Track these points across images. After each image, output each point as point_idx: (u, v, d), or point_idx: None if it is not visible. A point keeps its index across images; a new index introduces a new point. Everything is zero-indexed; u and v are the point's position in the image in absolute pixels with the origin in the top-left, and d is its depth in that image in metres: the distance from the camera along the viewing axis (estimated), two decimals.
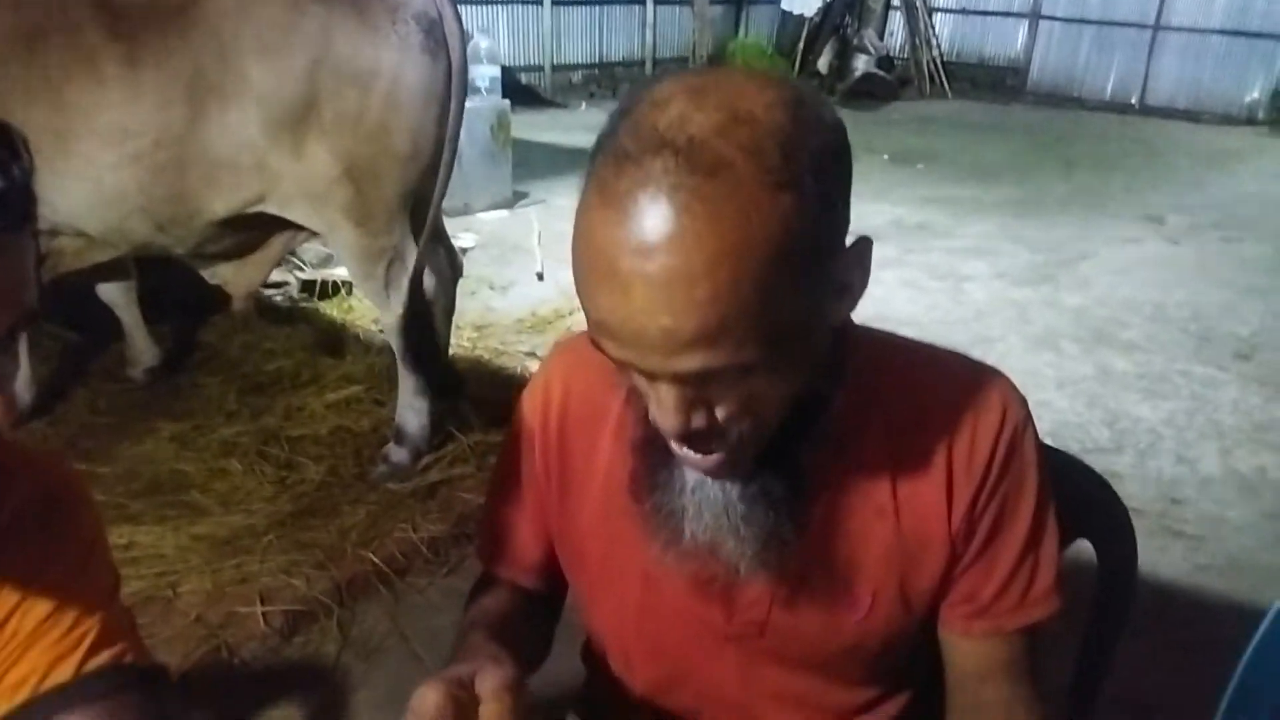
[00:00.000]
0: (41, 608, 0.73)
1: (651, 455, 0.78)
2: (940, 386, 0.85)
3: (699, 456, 0.72)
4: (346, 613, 2.26)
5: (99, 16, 2.30)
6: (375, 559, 2.37)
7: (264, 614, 2.16)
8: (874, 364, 0.84)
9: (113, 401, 3.12)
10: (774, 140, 0.62)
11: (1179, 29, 11.08)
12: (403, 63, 2.40)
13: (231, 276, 2.81)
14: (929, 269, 5.13)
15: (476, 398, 3.10)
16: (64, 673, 0.72)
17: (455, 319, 3.18)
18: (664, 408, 0.68)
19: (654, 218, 0.61)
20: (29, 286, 0.64)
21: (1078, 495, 1.04)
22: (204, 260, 2.76)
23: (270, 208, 2.49)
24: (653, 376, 0.67)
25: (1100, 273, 5.19)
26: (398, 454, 2.73)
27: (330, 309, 3.98)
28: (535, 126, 8.29)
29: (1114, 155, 8.69)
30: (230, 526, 2.45)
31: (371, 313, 3.81)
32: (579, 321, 0.90)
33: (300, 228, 2.61)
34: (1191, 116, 10.91)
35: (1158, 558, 2.66)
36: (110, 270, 2.88)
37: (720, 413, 0.69)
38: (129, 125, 2.32)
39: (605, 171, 0.64)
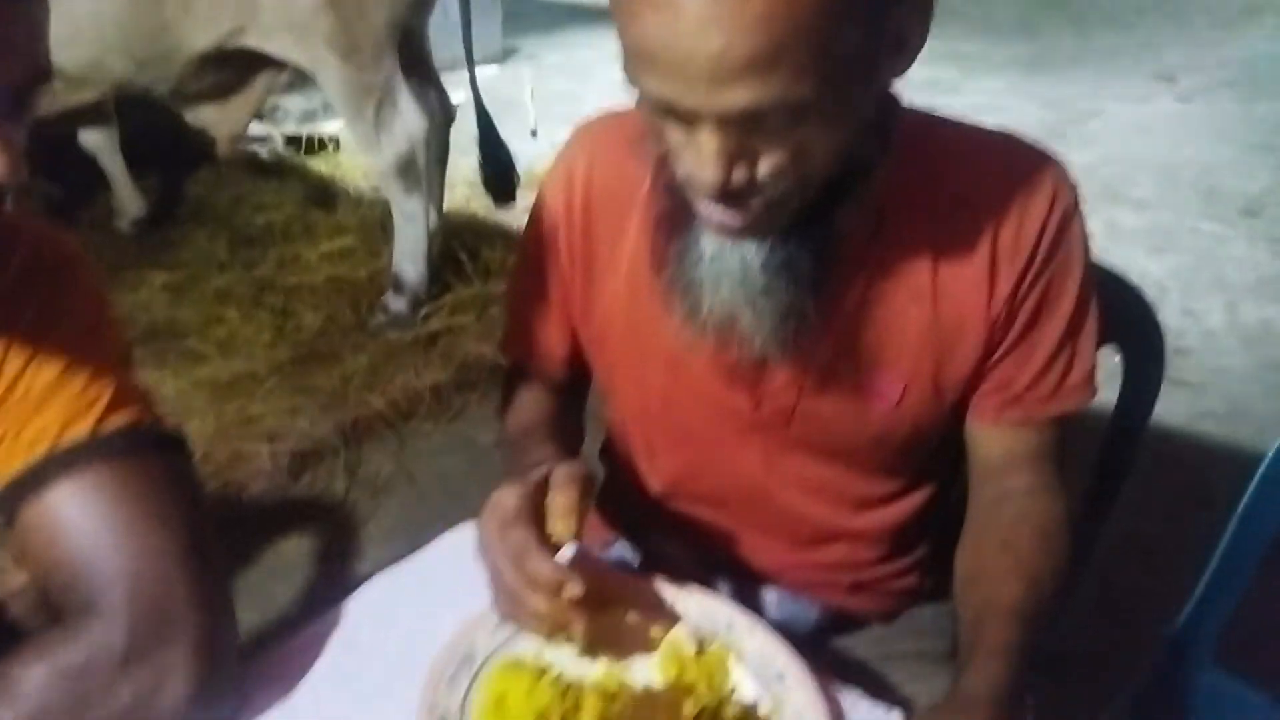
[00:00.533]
0: (52, 367, 0.71)
1: (673, 226, 0.75)
2: (989, 165, 0.80)
3: (727, 213, 0.68)
4: (353, 454, 2.28)
5: None
6: (379, 403, 2.38)
7: (271, 453, 2.17)
8: (920, 139, 0.79)
9: (101, 252, 3.06)
10: None
11: None
12: None
13: (215, 119, 2.70)
14: None
15: (474, 253, 3.04)
16: (80, 431, 0.70)
17: (447, 176, 3.09)
18: (703, 156, 0.63)
19: None
20: (41, 41, 0.62)
21: (1110, 301, 1.01)
22: (186, 101, 2.64)
23: (251, 41, 2.37)
24: (695, 119, 0.62)
25: (1110, 130, 5.07)
26: (396, 303, 2.70)
27: (318, 164, 3.87)
28: None
29: (1127, 11, 8.36)
30: (230, 371, 2.45)
31: (362, 167, 3.72)
32: None
33: (284, 66, 2.49)
34: None
35: (1160, 406, 2.66)
36: (91, 115, 2.77)
37: (764, 167, 0.64)
38: None
39: None
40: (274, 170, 3.74)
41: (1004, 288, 0.80)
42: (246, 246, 3.10)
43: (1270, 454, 1.04)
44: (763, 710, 0.73)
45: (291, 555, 1.99)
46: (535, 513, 0.72)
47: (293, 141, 3.95)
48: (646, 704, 0.68)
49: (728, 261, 0.71)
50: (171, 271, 2.95)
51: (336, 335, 2.65)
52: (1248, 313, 3.26)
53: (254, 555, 1.97)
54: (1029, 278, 0.80)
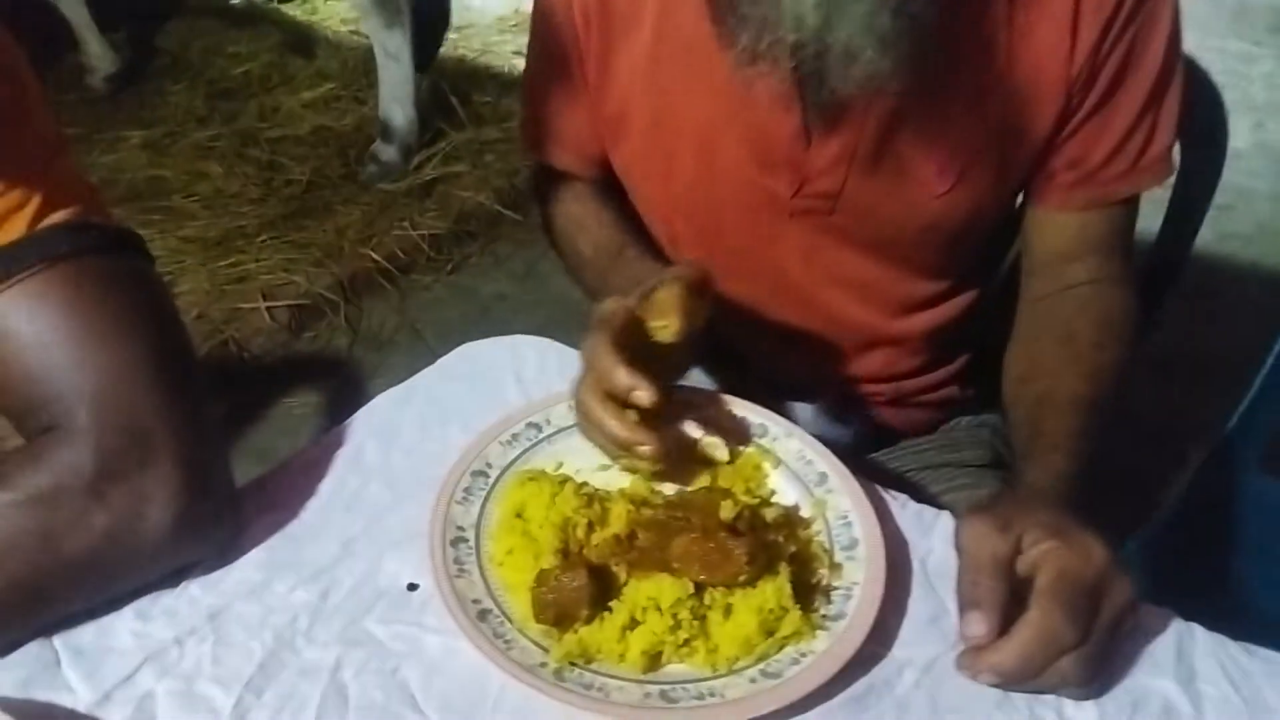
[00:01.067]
0: None
1: None
2: None
3: None
4: (354, 308, 2.22)
5: None
6: (376, 256, 2.30)
7: (269, 309, 2.11)
8: None
9: (74, 112, 2.90)
10: None
11: None
12: None
13: None
14: None
15: (463, 96, 2.89)
16: (15, 229, 0.61)
17: None
18: None
19: None
20: None
21: None
22: None
23: None
24: None
25: None
26: (386, 151, 2.58)
27: (293, 10, 3.64)
28: None
29: None
30: (220, 228, 2.35)
31: (339, 12, 3.50)
32: None
33: None
34: None
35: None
36: None
37: None
38: None
39: None
40: (247, 18, 3.52)
41: (1087, 41, 0.70)
42: (225, 99, 2.94)
43: None
44: (805, 513, 0.68)
45: (298, 411, 1.95)
46: (628, 320, 0.65)
47: None
48: (681, 508, 0.62)
49: None
50: (149, 129, 2.81)
51: (326, 188, 2.53)
52: (1274, 132, 3.15)
53: (259, 413, 1.93)
54: (1115, 29, 0.70)
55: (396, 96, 2.52)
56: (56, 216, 0.62)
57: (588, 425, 0.66)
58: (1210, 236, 2.56)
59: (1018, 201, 0.85)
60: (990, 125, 0.73)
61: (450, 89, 2.85)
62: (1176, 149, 0.94)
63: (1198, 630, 0.63)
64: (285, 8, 3.68)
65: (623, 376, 0.62)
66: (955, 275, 0.86)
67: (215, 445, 0.64)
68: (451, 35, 3.62)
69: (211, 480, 0.62)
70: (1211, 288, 2.35)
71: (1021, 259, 0.84)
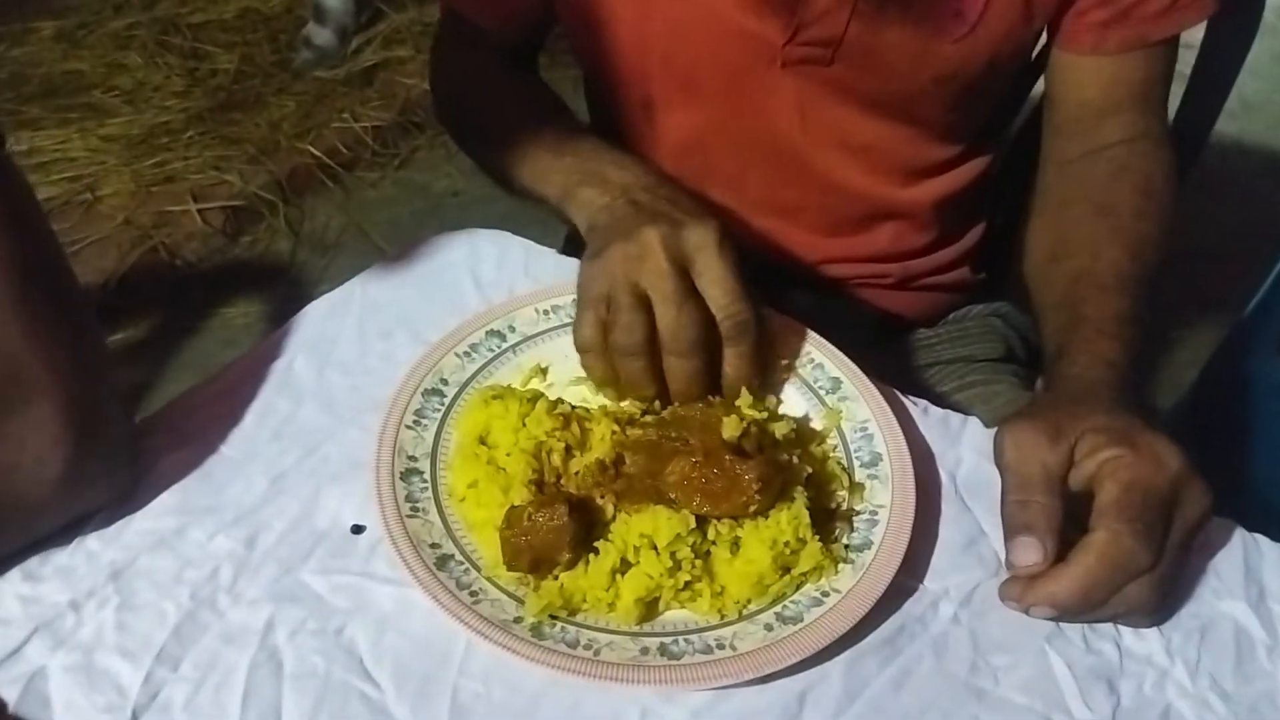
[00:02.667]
0: None
1: None
2: None
3: None
4: (295, 209, 2.06)
5: None
6: (315, 151, 2.13)
7: (200, 212, 1.95)
8: None
9: None
10: None
11: None
12: None
13: None
14: None
15: None
16: None
17: None
18: None
19: None
20: None
21: None
22: None
23: None
24: None
25: None
26: (321, 35, 2.39)
27: None
28: None
29: None
30: (142, 125, 2.16)
31: None
32: None
33: None
34: None
35: (1172, 103, 2.50)
36: None
37: None
38: None
39: None
40: None
41: None
42: None
43: None
44: (817, 425, 0.58)
45: (239, 321, 1.81)
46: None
47: None
48: (674, 426, 0.52)
49: None
50: (61, 19, 2.58)
51: (257, 77, 2.34)
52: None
53: (198, 324, 1.80)
54: None
55: None
56: None
57: (646, 348, 0.55)
58: None
59: (1037, 49, 0.75)
60: None
61: None
62: None
63: (1263, 542, 0.56)
64: None
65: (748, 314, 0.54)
66: (968, 136, 0.76)
67: (102, 374, 0.52)
68: None
69: (101, 416, 0.51)
70: (1207, 166, 2.28)
71: (1044, 116, 0.74)
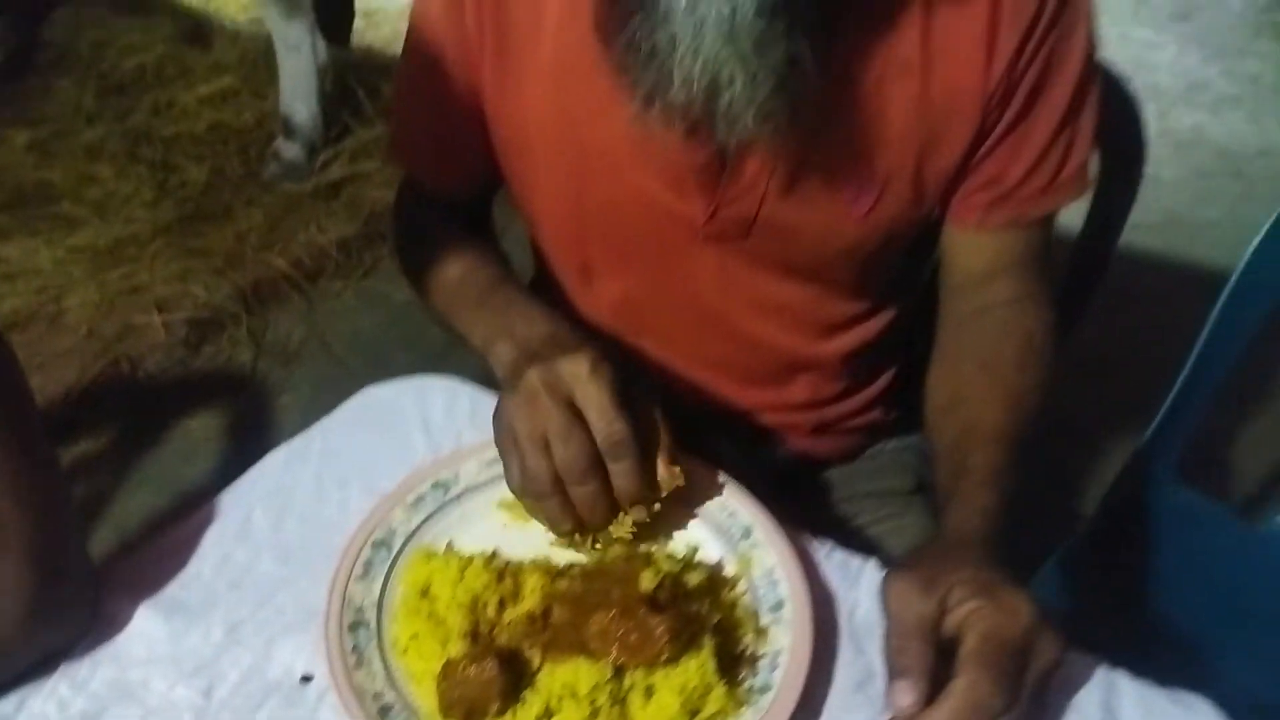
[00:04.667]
0: None
1: None
2: None
3: None
4: (258, 320, 2.11)
5: None
6: (281, 263, 2.19)
7: (164, 323, 1.99)
8: None
9: None
10: None
11: None
12: None
13: None
14: None
15: (371, 90, 2.79)
16: None
17: None
18: None
19: None
20: None
21: None
22: None
23: None
24: None
25: None
26: (289, 149, 2.47)
27: None
28: None
29: None
30: (110, 236, 2.21)
31: (236, 2, 3.35)
32: None
33: None
34: None
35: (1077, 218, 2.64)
36: None
37: None
38: None
39: None
40: (140, 7, 3.35)
41: (1004, 55, 0.68)
42: (116, 94, 2.78)
43: (1238, 269, 0.99)
44: (729, 571, 0.64)
45: (199, 434, 1.84)
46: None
47: None
48: (598, 579, 0.59)
49: (709, 7, 0.56)
50: (35, 128, 2.65)
51: (226, 189, 2.41)
52: (1179, 119, 3.22)
53: (157, 436, 1.82)
54: (1033, 42, 0.68)
55: (299, 91, 2.41)
56: None
57: (554, 487, 0.61)
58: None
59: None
60: (908, 147, 0.71)
61: (356, 81, 2.75)
62: (1095, 160, 0.94)
63: (1122, 680, 0.62)
64: None
65: (625, 433, 0.59)
66: (875, 294, 0.84)
67: (68, 521, 0.58)
68: (357, 24, 3.50)
69: (65, 561, 0.56)
70: (1122, 280, 2.39)
71: (940, 278, 0.83)
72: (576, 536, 0.62)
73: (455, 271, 0.80)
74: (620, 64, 0.62)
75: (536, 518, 0.63)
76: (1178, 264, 2.47)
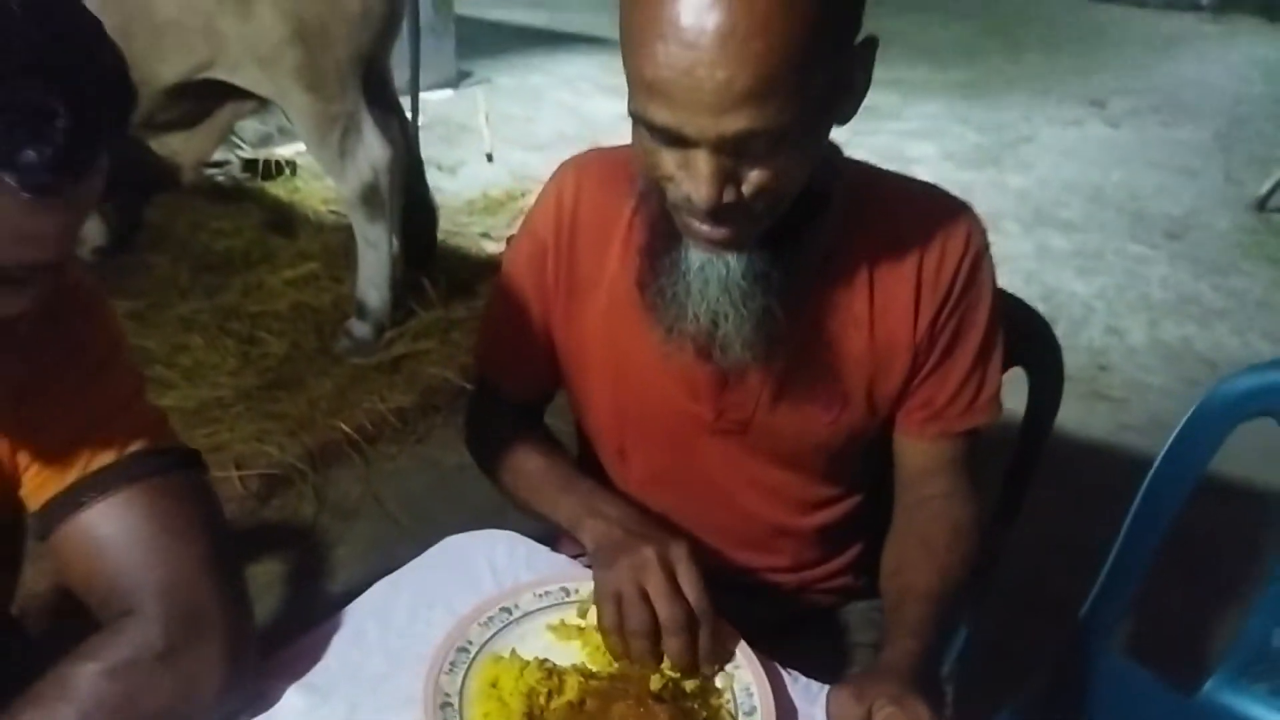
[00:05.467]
0: (77, 398, 0.77)
1: (660, 245, 0.85)
2: (915, 212, 0.95)
3: (714, 229, 0.79)
4: (320, 478, 2.33)
5: None
6: (345, 427, 2.43)
7: (240, 478, 2.22)
8: (858, 189, 0.93)
9: None
10: None
11: None
12: None
13: (181, 146, 2.75)
14: (877, 151, 5.17)
15: (435, 278, 3.11)
16: (107, 457, 0.78)
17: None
18: (698, 179, 0.74)
19: None
20: (68, 239, 0.64)
21: (1017, 326, 1.14)
22: (153, 130, 2.70)
23: (219, 73, 2.45)
24: (693, 144, 0.73)
25: (1043, 154, 5.29)
26: (360, 329, 2.75)
27: (276, 189, 3.91)
28: (479, 2, 8.01)
29: (1061, 39, 8.69)
30: (198, 399, 2.47)
31: (320, 192, 3.76)
32: (531, 203, 0.92)
33: (250, 96, 2.57)
34: (1139, 2, 10.90)
35: (1085, 419, 2.84)
36: None
37: (748, 187, 0.76)
38: None
39: None
40: (232, 195, 3.76)
41: (927, 315, 0.94)
42: (209, 273, 3.11)
43: (1159, 456, 1.18)
44: (718, 684, 0.85)
45: (264, 579, 2.03)
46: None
47: (250, 165, 3.96)
48: (620, 680, 0.80)
49: (712, 270, 0.82)
50: (134, 299, 2.94)
51: (302, 361, 2.68)
52: (1168, 331, 3.46)
53: None
54: (947, 308, 0.94)
55: (374, 281, 2.73)
56: (137, 444, 0.80)
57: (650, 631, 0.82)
58: (1108, 428, 2.83)
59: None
60: (861, 377, 0.96)
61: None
62: (1021, 377, 1.16)
63: None
64: (269, 185, 3.96)
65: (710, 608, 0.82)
66: (844, 481, 1.07)
67: (250, 621, 0.81)
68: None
69: (248, 652, 0.79)
70: (1108, 475, 2.57)
71: (893, 472, 1.06)
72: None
73: (535, 463, 1.04)
74: (652, 305, 0.88)
75: (611, 647, 0.84)
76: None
